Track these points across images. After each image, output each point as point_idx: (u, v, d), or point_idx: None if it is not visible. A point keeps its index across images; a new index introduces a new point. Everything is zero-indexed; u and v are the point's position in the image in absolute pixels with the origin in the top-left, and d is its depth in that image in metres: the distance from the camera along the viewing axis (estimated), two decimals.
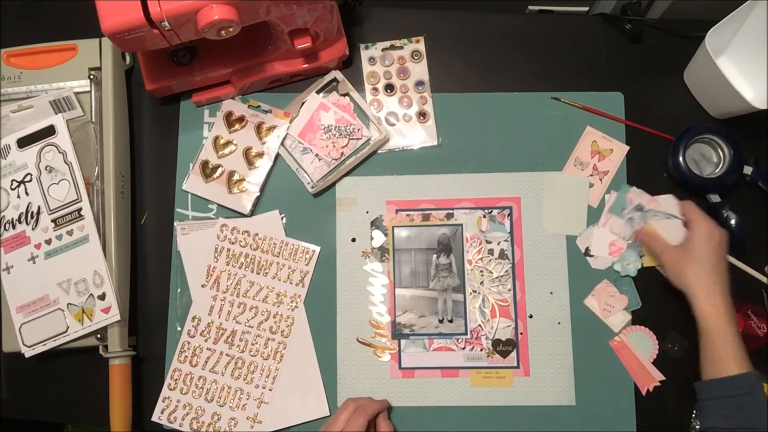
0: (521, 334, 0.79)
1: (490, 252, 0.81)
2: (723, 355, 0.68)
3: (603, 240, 0.80)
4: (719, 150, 0.81)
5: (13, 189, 0.77)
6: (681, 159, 0.80)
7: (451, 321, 0.80)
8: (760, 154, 0.82)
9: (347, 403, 0.72)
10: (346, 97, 0.85)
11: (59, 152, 0.77)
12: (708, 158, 0.82)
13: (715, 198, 0.81)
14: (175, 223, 0.82)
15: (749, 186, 0.82)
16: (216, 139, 0.84)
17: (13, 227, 0.77)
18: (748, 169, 0.80)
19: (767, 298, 0.80)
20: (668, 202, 0.77)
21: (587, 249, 0.80)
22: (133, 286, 0.81)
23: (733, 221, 0.79)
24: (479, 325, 0.79)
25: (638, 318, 0.79)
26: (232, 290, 0.80)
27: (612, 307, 0.79)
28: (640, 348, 0.78)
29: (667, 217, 0.77)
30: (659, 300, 0.80)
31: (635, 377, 0.78)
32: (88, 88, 0.80)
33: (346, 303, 0.81)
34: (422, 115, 0.84)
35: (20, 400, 0.80)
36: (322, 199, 0.83)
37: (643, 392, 0.77)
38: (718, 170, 0.81)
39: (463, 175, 0.83)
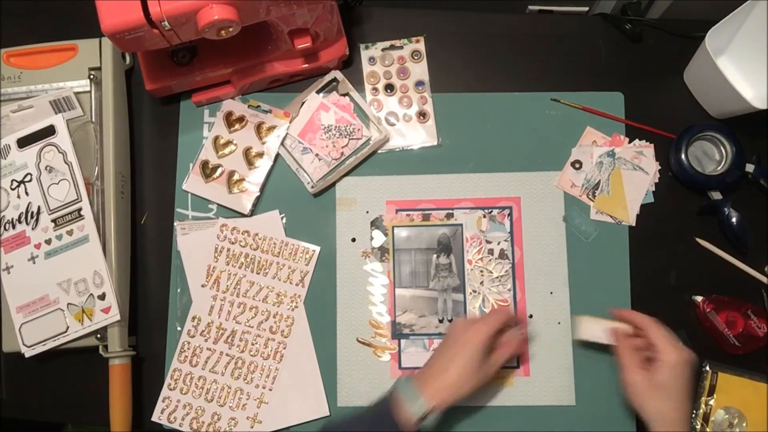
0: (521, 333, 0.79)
1: (490, 252, 0.81)
2: None
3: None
4: (721, 147, 0.81)
5: (13, 189, 0.77)
6: (683, 156, 0.80)
7: (451, 321, 0.80)
8: (762, 153, 0.82)
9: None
10: (346, 97, 0.85)
11: (59, 152, 0.78)
12: (710, 156, 0.82)
13: (716, 195, 0.81)
14: (175, 223, 0.82)
15: (751, 184, 0.82)
16: (216, 139, 0.84)
17: (13, 227, 0.77)
18: (750, 167, 0.80)
19: (767, 298, 0.80)
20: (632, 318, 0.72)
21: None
22: (133, 286, 0.81)
23: (734, 219, 0.79)
24: None
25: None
26: (232, 290, 0.80)
27: None
28: None
29: (634, 168, 0.76)
30: (665, 299, 0.80)
31: None
32: (88, 88, 0.80)
33: (346, 303, 0.81)
34: (422, 115, 0.84)
35: (20, 400, 0.80)
36: (322, 199, 0.83)
37: None
38: (720, 168, 0.81)
39: (463, 175, 0.83)
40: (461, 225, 0.82)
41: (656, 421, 0.66)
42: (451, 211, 0.82)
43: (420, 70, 0.86)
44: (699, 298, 0.79)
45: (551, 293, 0.80)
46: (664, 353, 0.67)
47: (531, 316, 0.79)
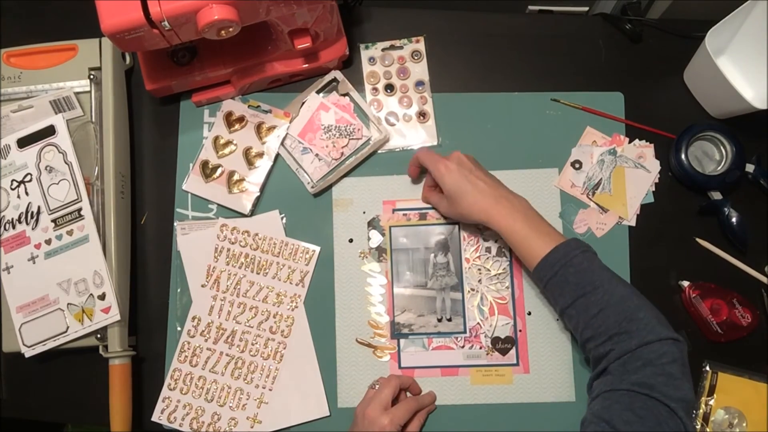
0: (520, 331, 0.79)
1: (488, 250, 0.81)
2: (527, 249, 0.70)
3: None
4: (722, 147, 0.81)
5: (13, 189, 0.77)
6: (683, 156, 0.80)
7: (449, 320, 0.80)
8: (762, 153, 0.82)
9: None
10: (346, 97, 0.85)
11: (59, 152, 0.78)
12: (710, 156, 0.82)
13: (716, 195, 0.81)
14: (175, 223, 0.82)
15: (751, 184, 0.82)
16: (216, 139, 0.84)
17: (13, 227, 0.77)
18: (750, 167, 0.80)
19: (767, 298, 0.80)
20: None
21: None
22: (133, 286, 0.81)
23: (734, 219, 0.79)
24: (478, 323, 0.79)
25: None
26: (232, 290, 0.80)
27: None
28: None
29: (636, 166, 0.79)
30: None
31: None
32: (88, 88, 0.80)
33: (345, 304, 0.81)
34: (422, 115, 0.84)
35: (20, 400, 0.80)
36: (322, 199, 0.83)
37: None
38: (720, 168, 0.81)
39: None
40: (458, 223, 0.82)
41: (476, 216, 0.73)
42: None
43: (420, 70, 0.86)
44: (686, 283, 0.79)
45: None
46: (432, 171, 0.75)
47: (530, 314, 0.79)
